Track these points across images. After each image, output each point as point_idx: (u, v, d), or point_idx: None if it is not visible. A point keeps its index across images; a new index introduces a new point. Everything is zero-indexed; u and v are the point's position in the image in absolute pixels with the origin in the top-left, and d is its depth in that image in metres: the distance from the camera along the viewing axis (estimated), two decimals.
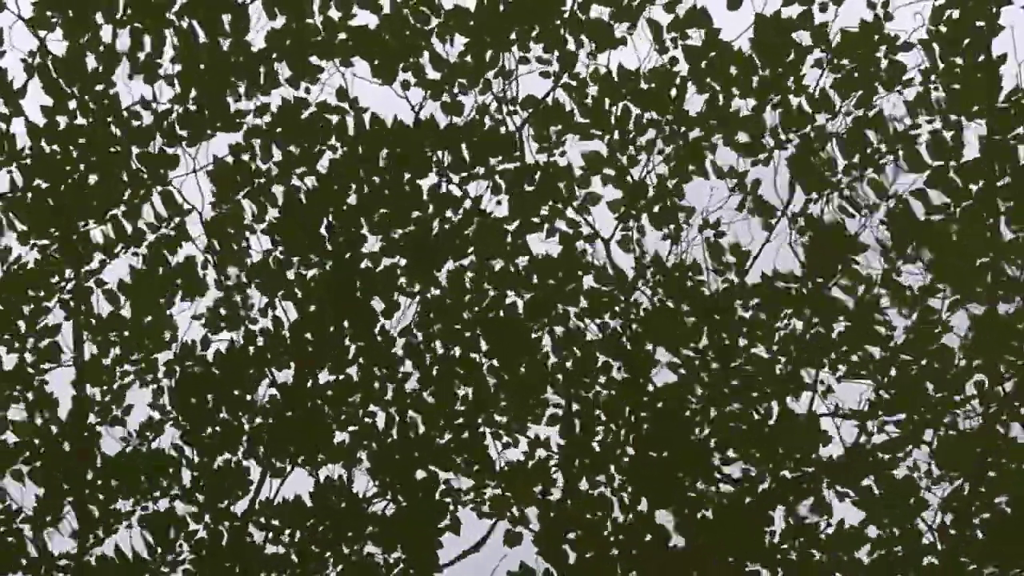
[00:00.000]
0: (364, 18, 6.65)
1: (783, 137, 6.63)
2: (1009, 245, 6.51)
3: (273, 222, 6.54)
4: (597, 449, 6.43)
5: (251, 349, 6.44)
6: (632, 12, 6.66)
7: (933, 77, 6.60)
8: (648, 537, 6.37)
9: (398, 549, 6.36)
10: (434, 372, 6.47)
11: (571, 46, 6.66)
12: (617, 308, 6.53)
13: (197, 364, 6.42)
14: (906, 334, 6.49)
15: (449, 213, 6.56)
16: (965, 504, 6.37)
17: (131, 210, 6.54)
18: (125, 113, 6.54)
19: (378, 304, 6.51)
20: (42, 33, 6.56)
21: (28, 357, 6.44)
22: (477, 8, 6.62)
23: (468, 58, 6.63)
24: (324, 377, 6.46)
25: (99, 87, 6.54)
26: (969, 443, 6.41)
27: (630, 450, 6.44)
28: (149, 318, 6.48)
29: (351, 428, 6.42)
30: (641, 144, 6.65)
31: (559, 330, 6.50)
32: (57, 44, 6.55)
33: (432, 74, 6.63)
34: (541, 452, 6.45)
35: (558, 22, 6.64)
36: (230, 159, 6.58)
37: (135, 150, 6.55)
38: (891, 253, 6.55)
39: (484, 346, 6.50)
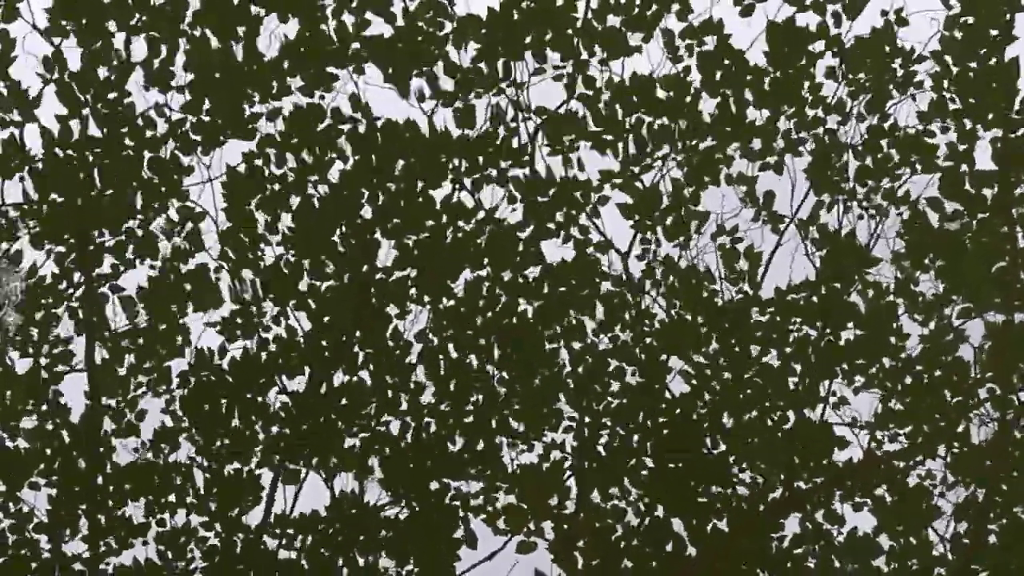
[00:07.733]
0: (379, 27, 6.66)
1: (795, 136, 6.63)
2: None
3: (287, 231, 6.53)
4: (603, 454, 6.42)
5: (263, 356, 6.43)
6: (646, 22, 6.67)
7: (946, 84, 6.61)
8: (657, 545, 6.35)
9: (411, 562, 6.33)
10: (449, 381, 6.46)
11: (584, 55, 6.66)
12: (627, 316, 6.52)
13: (210, 372, 6.40)
14: (922, 342, 6.48)
15: (461, 223, 6.56)
16: (979, 512, 6.34)
17: (146, 220, 6.53)
18: (139, 121, 6.54)
19: (392, 310, 6.51)
20: (56, 40, 6.56)
21: (43, 360, 6.42)
22: (489, 16, 6.62)
23: (482, 64, 6.63)
24: (337, 381, 6.45)
25: (112, 95, 6.54)
26: (983, 452, 6.40)
27: (644, 457, 6.43)
28: (163, 326, 6.45)
29: (362, 435, 6.39)
30: (654, 152, 6.65)
31: (576, 345, 6.49)
32: (71, 51, 6.56)
33: (445, 81, 6.63)
34: (556, 454, 6.44)
35: (570, 31, 6.64)
36: (243, 167, 6.57)
37: (147, 155, 6.54)
38: (905, 262, 6.55)
39: (497, 354, 6.49)
